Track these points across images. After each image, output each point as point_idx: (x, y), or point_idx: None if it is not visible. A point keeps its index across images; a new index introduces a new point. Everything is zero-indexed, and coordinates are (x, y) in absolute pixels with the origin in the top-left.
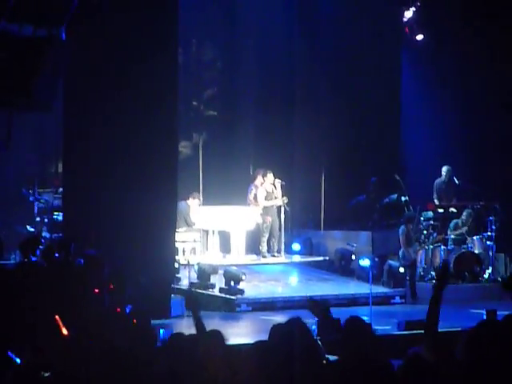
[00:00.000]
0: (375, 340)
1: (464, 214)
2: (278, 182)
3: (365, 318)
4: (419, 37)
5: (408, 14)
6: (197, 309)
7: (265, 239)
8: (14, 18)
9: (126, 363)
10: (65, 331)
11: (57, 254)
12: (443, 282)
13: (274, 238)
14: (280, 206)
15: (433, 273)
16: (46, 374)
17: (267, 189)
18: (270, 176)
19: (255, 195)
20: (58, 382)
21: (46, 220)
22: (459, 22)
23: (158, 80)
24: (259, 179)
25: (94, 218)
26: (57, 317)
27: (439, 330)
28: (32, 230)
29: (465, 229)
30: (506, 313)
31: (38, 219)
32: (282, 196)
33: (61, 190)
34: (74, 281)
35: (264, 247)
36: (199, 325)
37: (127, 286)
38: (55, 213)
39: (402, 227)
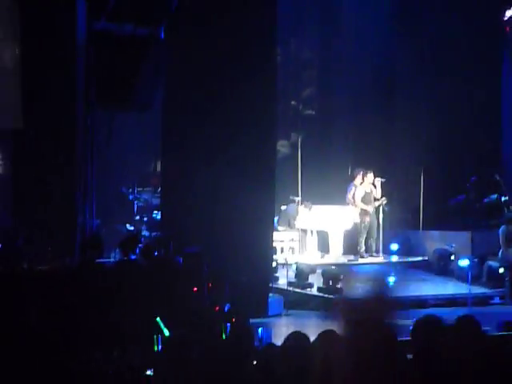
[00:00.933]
0: (486, 339)
1: None
2: (377, 180)
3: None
4: None
5: (509, 12)
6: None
7: (362, 239)
8: (114, 17)
9: (225, 362)
10: (166, 332)
11: (156, 253)
12: None
13: (373, 237)
14: (379, 206)
15: None
16: (149, 373)
17: (366, 189)
18: (371, 176)
19: (354, 195)
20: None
21: (145, 219)
22: None
23: (258, 79)
24: (358, 178)
25: (193, 217)
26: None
27: None
28: (131, 228)
29: None
30: None
31: (137, 218)
32: (382, 195)
33: (159, 189)
34: (173, 279)
35: (362, 247)
36: None
37: (226, 284)
38: (154, 211)
39: (503, 227)
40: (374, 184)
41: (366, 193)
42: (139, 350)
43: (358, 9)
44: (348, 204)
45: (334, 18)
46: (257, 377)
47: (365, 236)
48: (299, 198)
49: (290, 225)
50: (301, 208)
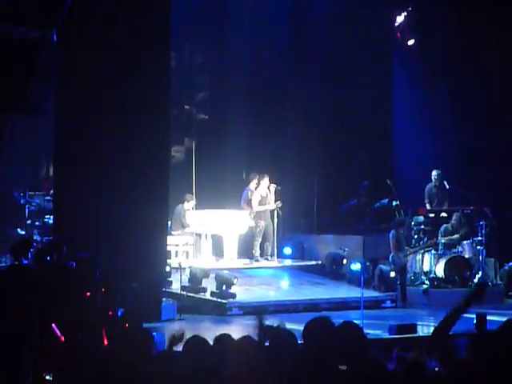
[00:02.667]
0: (368, 344)
1: (454, 218)
2: (272, 186)
3: (356, 322)
4: (410, 41)
5: (399, 18)
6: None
7: (257, 243)
8: (5, 19)
9: (122, 368)
10: (62, 338)
11: (48, 257)
12: (476, 299)
13: (269, 241)
14: (273, 210)
15: (423, 277)
16: (48, 377)
17: (262, 193)
18: (266, 180)
19: (249, 199)
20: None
21: (37, 223)
22: (450, 26)
23: (151, 84)
24: (253, 183)
25: (85, 221)
26: (53, 325)
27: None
28: (23, 233)
29: (456, 236)
30: (495, 317)
31: (29, 222)
32: (276, 201)
33: (52, 192)
34: (65, 284)
35: (257, 251)
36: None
37: (119, 289)
38: (46, 216)
39: (393, 232)
40: (268, 188)
41: (262, 197)
42: (35, 354)
43: (253, 13)
44: (243, 208)
45: (228, 23)
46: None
47: (260, 240)
48: (193, 202)
49: (183, 225)
50: (186, 205)
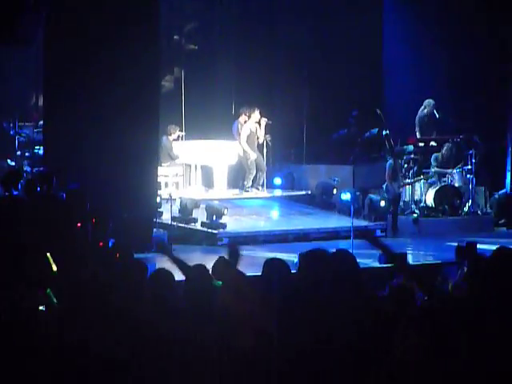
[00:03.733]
0: (361, 273)
1: (444, 148)
2: (263, 120)
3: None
4: None
5: None
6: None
7: (251, 176)
8: None
9: (112, 297)
10: (54, 267)
11: (38, 188)
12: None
13: (261, 171)
14: (263, 142)
15: (413, 206)
16: (42, 308)
17: (251, 127)
18: (257, 114)
19: (239, 133)
20: (53, 316)
21: (27, 154)
22: None
23: (140, 14)
24: (243, 116)
25: (76, 152)
26: (48, 254)
27: (422, 263)
28: (13, 164)
29: (446, 164)
30: (485, 246)
31: (19, 153)
32: (265, 134)
33: (41, 123)
34: (56, 215)
35: (248, 183)
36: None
37: (110, 220)
38: (36, 147)
39: (390, 161)
40: (259, 122)
41: (251, 131)
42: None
43: None
44: (235, 139)
45: None
46: (152, 308)
47: (254, 172)
48: (182, 133)
49: (171, 157)
50: (170, 137)
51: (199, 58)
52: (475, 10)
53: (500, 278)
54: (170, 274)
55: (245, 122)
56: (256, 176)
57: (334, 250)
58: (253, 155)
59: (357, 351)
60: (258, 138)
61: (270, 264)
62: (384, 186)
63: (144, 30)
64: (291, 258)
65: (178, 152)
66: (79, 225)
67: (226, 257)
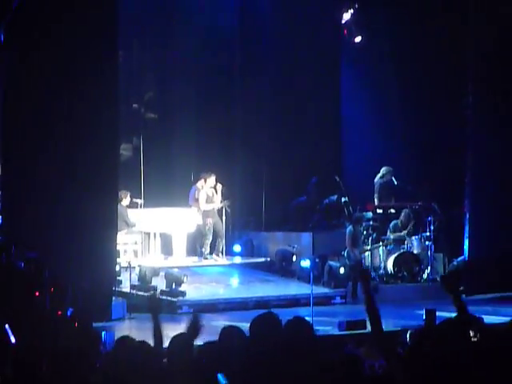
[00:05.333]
0: (316, 340)
1: (402, 214)
2: (219, 186)
3: (306, 319)
4: (357, 38)
5: (346, 16)
6: (157, 315)
7: (208, 241)
8: None
9: (70, 366)
10: (12, 339)
11: None
12: (365, 283)
13: (220, 238)
14: (221, 208)
15: (373, 273)
16: None
17: (208, 192)
18: (212, 179)
19: (196, 198)
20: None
21: None
22: (396, 23)
23: (99, 81)
24: (201, 182)
25: (35, 220)
26: (6, 325)
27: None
28: None
29: (404, 232)
30: (445, 313)
31: None
32: (223, 199)
33: None
34: (15, 284)
35: (207, 249)
36: (157, 333)
37: (68, 288)
38: None
39: (350, 228)
40: (215, 188)
41: (208, 196)
42: None
43: (201, 11)
44: (191, 206)
45: (176, 21)
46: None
47: (210, 238)
48: (141, 201)
49: (128, 224)
50: (124, 202)
51: (158, 126)
52: (432, 74)
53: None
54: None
55: (202, 187)
56: (215, 242)
57: (290, 318)
58: (210, 221)
59: None
60: (214, 202)
61: (226, 332)
62: (345, 253)
63: (103, 94)
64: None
65: (135, 219)
66: (37, 293)
67: (187, 328)
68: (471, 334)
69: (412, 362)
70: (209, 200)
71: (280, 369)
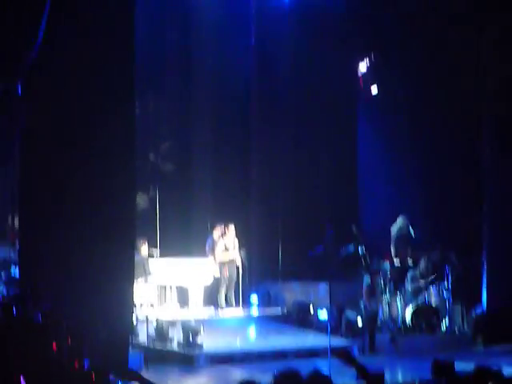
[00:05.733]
0: None
1: (421, 265)
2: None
3: (324, 370)
4: (374, 88)
5: (362, 67)
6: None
7: (223, 289)
8: None
9: None
10: None
11: (15, 310)
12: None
13: (230, 290)
14: (237, 258)
15: (390, 324)
16: None
17: (226, 243)
18: (232, 229)
19: (213, 247)
20: None
21: (2, 275)
22: (410, 72)
23: (116, 134)
24: (217, 232)
25: (51, 272)
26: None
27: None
28: None
29: (423, 282)
30: (463, 363)
31: None
32: (240, 250)
33: (17, 244)
34: (33, 337)
35: (222, 298)
36: None
37: (85, 340)
38: (12, 267)
39: (366, 278)
40: (234, 238)
41: (225, 247)
42: None
43: (217, 61)
44: (208, 256)
45: (193, 69)
46: None
47: (225, 288)
48: (157, 251)
49: (146, 271)
50: (142, 250)
51: (175, 176)
52: (446, 119)
53: None
54: None
55: (218, 236)
56: (228, 294)
57: (309, 371)
58: (226, 272)
59: None
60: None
61: None
62: (361, 304)
63: (120, 147)
64: (269, 377)
65: (151, 268)
66: (55, 345)
67: None
68: None
69: None
70: (226, 250)
71: None
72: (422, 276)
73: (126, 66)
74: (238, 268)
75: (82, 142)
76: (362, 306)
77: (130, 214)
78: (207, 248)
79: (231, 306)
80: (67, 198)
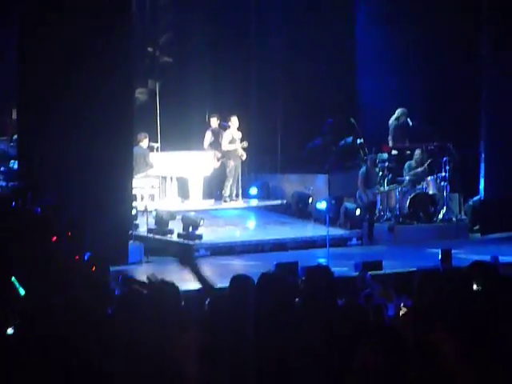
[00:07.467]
0: (334, 283)
1: (416, 153)
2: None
3: (322, 260)
4: None
5: None
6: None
7: (229, 184)
8: None
9: (85, 314)
10: (22, 291)
11: (13, 203)
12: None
13: (238, 181)
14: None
15: (388, 214)
16: (10, 331)
17: (233, 133)
18: (235, 120)
19: (213, 139)
20: (21, 338)
21: (1, 168)
22: None
23: (113, 26)
24: (214, 122)
25: (51, 166)
26: (12, 278)
27: (398, 271)
28: None
29: (420, 169)
30: (460, 251)
31: None
32: (242, 140)
33: (15, 137)
34: (32, 229)
35: (227, 192)
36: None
37: (85, 233)
38: (11, 161)
39: (363, 169)
40: (238, 129)
41: (232, 137)
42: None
43: None
44: (205, 150)
45: None
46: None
47: (231, 180)
48: (157, 144)
49: (147, 163)
50: (143, 143)
51: (173, 69)
52: (449, 18)
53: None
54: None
55: (215, 127)
56: (233, 185)
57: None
58: (232, 163)
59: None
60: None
61: (236, 282)
62: (357, 194)
63: (116, 41)
64: (268, 267)
65: (152, 161)
66: (54, 238)
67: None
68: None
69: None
70: (233, 141)
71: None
72: (419, 164)
73: None
74: (242, 160)
75: (79, 36)
76: (358, 196)
77: (127, 106)
78: (205, 141)
79: (232, 197)
80: (65, 91)
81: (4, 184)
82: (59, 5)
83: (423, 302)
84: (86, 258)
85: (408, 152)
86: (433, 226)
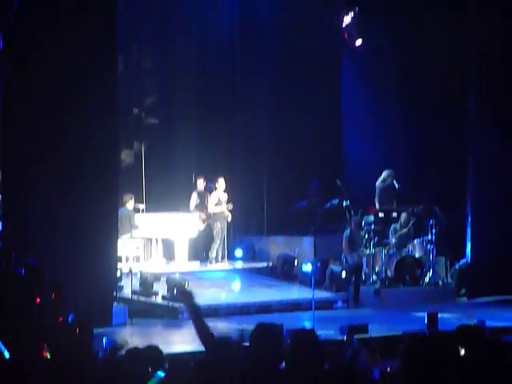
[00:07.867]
0: (320, 347)
1: (402, 216)
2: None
3: (308, 323)
4: (358, 42)
5: (346, 19)
6: (191, 302)
7: (216, 246)
8: None
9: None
10: (6, 354)
11: None
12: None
13: (224, 243)
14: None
15: (374, 277)
16: None
17: (219, 195)
18: (222, 182)
19: (199, 202)
20: None
21: None
22: (396, 25)
23: (99, 87)
24: (200, 184)
25: (35, 226)
26: None
27: (384, 335)
28: None
29: (405, 230)
30: (447, 315)
31: None
32: (228, 202)
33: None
34: (15, 291)
35: (213, 253)
36: (200, 326)
37: (69, 295)
38: None
39: (347, 231)
40: (225, 191)
41: (219, 200)
42: None
43: (201, 15)
44: (191, 211)
45: (177, 26)
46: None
47: (218, 242)
48: (143, 206)
49: (132, 225)
50: (129, 205)
51: (159, 130)
52: (433, 77)
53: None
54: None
55: (202, 189)
56: (219, 247)
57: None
58: (219, 225)
59: None
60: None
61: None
62: (342, 256)
63: (102, 101)
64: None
65: (138, 223)
66: (38, 300)
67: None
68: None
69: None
70: (219, 203)
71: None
72: (404, 226)
73: (107, 17)
74: (227, 222)
75: (64, 94)
76: (343, 259)
77: (113, 168)
78: (192, 203)
79: (218, 260)
80: (50, 152)
81: None
82: (43, 59)
83: (409, 367)
84: (69, 319)
85: (394, 214)
86: (419, 290)
